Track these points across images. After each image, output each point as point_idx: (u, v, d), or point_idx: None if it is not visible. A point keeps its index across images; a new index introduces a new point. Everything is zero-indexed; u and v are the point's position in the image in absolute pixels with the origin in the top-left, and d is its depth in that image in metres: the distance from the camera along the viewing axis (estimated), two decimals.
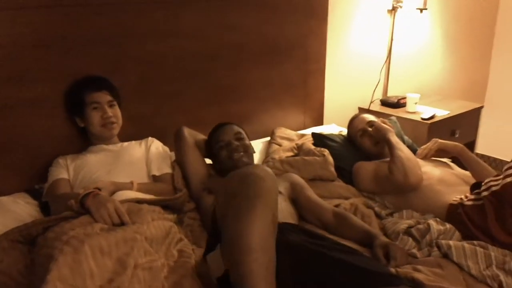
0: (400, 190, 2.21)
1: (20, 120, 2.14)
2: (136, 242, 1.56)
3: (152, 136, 2.42)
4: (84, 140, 2.31)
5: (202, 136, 2.33)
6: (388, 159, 2.32)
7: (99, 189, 1.83)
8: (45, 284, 1.32)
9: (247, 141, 2.23)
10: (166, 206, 2.00)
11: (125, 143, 2.31)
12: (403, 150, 2.25)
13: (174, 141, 2.28)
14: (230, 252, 1.38)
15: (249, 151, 2.21)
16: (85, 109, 2.18)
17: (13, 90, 2.10)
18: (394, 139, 2.33)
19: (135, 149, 2.29)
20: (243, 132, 2.26)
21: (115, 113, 2.24)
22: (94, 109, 2.18)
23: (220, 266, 1.51)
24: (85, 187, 1.91)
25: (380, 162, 2.40)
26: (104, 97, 2.20)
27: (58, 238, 1.51)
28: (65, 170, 2.14)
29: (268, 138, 2.91)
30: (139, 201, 1.89)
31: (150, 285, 1.49)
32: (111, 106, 2.22)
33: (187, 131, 2.27)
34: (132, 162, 2.21)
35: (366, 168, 2.40)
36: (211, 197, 2.11)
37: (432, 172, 2.26)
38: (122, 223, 1.70)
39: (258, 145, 2.74)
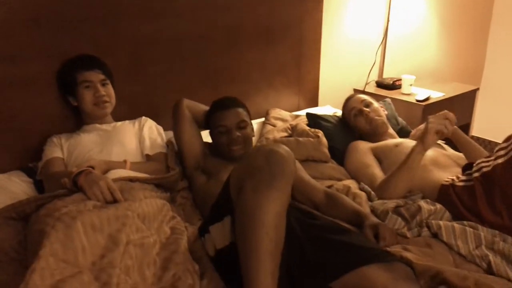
0: None
1: (13, 98, 2.14)
2: (127, 219, 1.57)
3: (145, 116, 2.41)
4: (77, 119, 2.31)
5: (202, 108, 2.28)
6: (387, 140, 2.40)
7: (92, 168, 1.84)
8: (38, 260, 1.33)
9: (249, 130, 2.17)
10: (159, 184, 2.01)
11: (119, 123, 2.31)
12: (406, 171, 2.11)
13: (172, 113, 2.26)
14: (243, 223, 1.38)
15: (248, 142, 2.16)
16: (78, 88, 2.17)
17: (6, 69, 2.09)
18: (420, 152, 2.12)
19: (129, 129, 2.29)
20: (247, 118, 2.17)
21: (108, 92, 2.23)
22: (86, 88, 2.17)
23: (224, 237, 1.53)
24: (78, 165, 1.92)
25: (374, 159, 2.37)
26: (96, 76, 2.19)
27: (50, 214, 1.52)
28: (59, 149, 2.15)
29: (263, 119, 2.92)
30: (132, 180, 1.90)
31: (141, 261, 1.51)
32: (103, 85, 2.21)
33: (186, 104, 2.23)
34: (125, 142, 2.21)
35: (356, 158, 2.40)
36: (203, 177, 2.12)
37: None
38: (115, 201, 1.71)
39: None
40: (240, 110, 2.16)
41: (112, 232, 1.51)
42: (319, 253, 1.55)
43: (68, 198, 1.67)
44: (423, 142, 2.07)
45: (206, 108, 2.26)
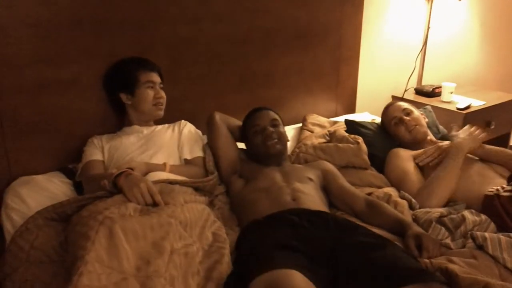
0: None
1: (55, 100, 2.16)
2: (171, 227, 1.56)
3: (182, 119, 2.42)
4: (118, 121, 2.32)
5: (235, 121, 2.34)
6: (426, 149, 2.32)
7: (132, 169, 1.84)
8: (85, 265, 1.33)
9: (281, 129, 2.23)
10: (198, 188, 2.01)
11: (159, 126, 2.32)
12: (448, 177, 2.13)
13: (206, 125, 2.29)
14: None
15: (283, 139, 2.22)
16: (139, 87, 2.21)
17: (49, 70, 2.12)
18: (460, 159, 2.17)
19: (168, 132, 2.30)
20: (279, 118, 2.26)
21: (164, 95, 2.29)
22: (148, 88, 2.22)
23: None
24: (118, 166, 1.92)
25: (416, 167, 2.32)
26: (157, 78, 2.27)
27: (93, 217, 1.51)
28: (99, 151, 2.16)
29: (300, 125, 2.89)
30: (171, 182, 1.90)
31: (186, 270, 1.50)
32: (161, 88, 2.29)
33: (218, 116, 2.27)
34: (165, 145, 2.22)
35: (398, 165, 2.34)
36: (241, 181, 2.13)
37: (469, 163, 2.21)
38: (154, 203, 1.71)
39: (289, 131, 2.70)
40: (272, 112, 2.27)
41: (156, 240, 1.50)
42: (353, 270, 1.52)
43: (109, 200, 1.67)
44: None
45: (239, 122, 2.32)
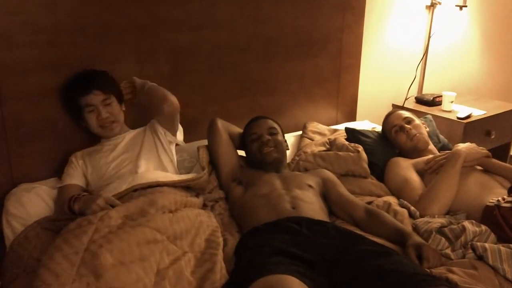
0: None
1: (54, 106, 2.16)
2: (157, 245, 1.58)
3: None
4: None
5: (236, 128, 2.35)
6: (426, 157, 2.33)
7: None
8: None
9: (279, 137, 2.24)
10: (188, 187, 2.03)
11: (130, 134, 2.26)
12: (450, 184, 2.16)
13: (207, 131, 2.30)
14: None
15: (280, 147, 2.22)
16: (83, 113, 2.11)
17: (48, 77, 2.12)
18: (458, 165, 2.20)
19: (140, 136, 2.27)
20: (277, 127, 2.28)
21: (112, 111, 2.15)
22: (89, 112, 2.10)
23: None
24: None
25: (417, 175, 2.32)
26: (96, 98, 2.09)
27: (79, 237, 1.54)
28: (78, 171, 2.12)
29: (300, 132, 2.90)
30: (159, 185, 1.91)
31: (175, 286, 1.51)
32: (106, 105, 2.12)
33: (220, 123, 2.28)
34: (143, 150, 2.19)
35: (398, 173, 2.34)
36: (240, 188, 2.14)
37: (469, 172, 2.22)
38: None
39: (289, 139, 2.70)
40: (270, 121, 2.28)
41: (143, 256, 1.53)
42: (357, 277, 1.52)
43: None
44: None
45: (240, 129, 2.34)
